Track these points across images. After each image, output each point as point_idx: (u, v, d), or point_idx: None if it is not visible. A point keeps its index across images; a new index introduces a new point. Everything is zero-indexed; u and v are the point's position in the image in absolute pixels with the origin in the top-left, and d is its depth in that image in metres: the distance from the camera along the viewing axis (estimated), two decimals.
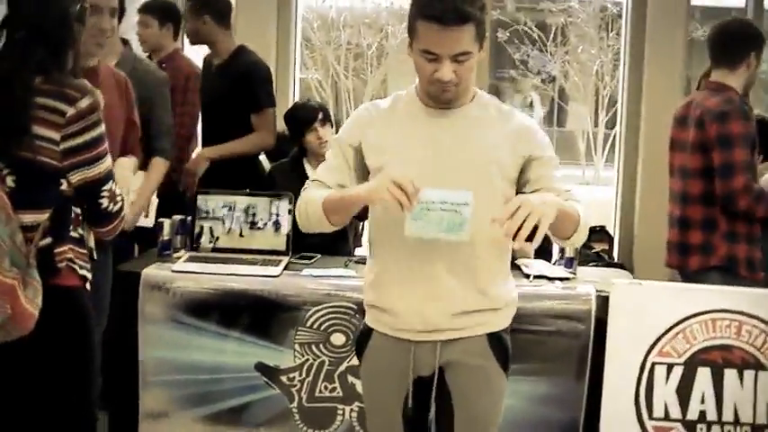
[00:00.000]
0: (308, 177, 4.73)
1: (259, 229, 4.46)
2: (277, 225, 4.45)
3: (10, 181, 2.72)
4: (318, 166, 4.26)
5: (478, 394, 2.91)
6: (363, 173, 2.92)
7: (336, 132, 4.65)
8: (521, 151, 2.83)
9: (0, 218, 2.62)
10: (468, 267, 2.82)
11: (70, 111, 2.70)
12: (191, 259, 4.28)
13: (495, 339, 2.91)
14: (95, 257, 2.99)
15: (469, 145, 2.81)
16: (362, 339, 3.05)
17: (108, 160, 2.84)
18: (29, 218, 2.73)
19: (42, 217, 2.75)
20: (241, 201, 4.50)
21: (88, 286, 2.96)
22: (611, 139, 17.05)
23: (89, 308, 2.93)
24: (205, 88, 5.26)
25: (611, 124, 16.81)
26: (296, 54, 7.02)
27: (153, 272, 4.12)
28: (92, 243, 2.98)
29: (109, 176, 2.84)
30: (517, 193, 2.80)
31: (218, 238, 4.44)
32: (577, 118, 20.10)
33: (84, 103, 2.72)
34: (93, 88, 2.80)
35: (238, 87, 5.07)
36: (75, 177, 2.77)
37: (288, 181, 4.90)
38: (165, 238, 4.36)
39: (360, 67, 18.07)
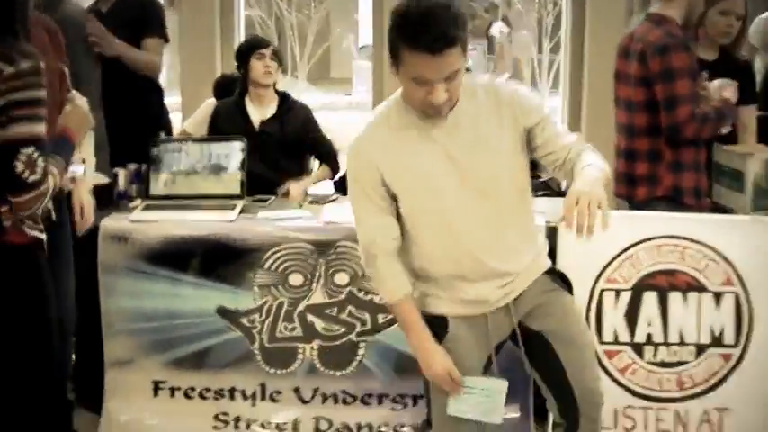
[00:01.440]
0: (249, 117, 4.87)
1: (212, 173, 4.54)
2: (229, 169, 4.52)
3: None
4: (258, 100, 4.48)
5: (565, 319, 3.08)
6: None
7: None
8: (519, 124, 2.92)
9: None
10: (503, 242, 2.98)
11: (9, 70, 2.71)
12: (147, 208, 4.35)
13: (552, 273, 3.12)
14: (53, 218, 3.04)
15: (480, 156, 2.89)
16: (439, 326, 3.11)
17: (38, 128, 2.79)
18: None
19: None
20: (193, 147, 4.57)
21: (41, 236, 3.00)
22: (555, 65, 17.16)
23: (41, 263, 2.99)
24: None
25: (556, 50, 16.87)
26: None
27: (111, 223, 4.16)
28: (50, 204, 3.01)
29: (33, 143, 2.77)
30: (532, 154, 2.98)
31: (173, 185, 4.51)
32: (521, 45, 20.14)
33: (24, 64, 2.72)
34: (38, 54, 2.80)
35: (131, 31, 4.89)
36: (1, 133, 2.74)
37: (230, 121, 5.00)
38: (121, 188, 4.44)
39: (303, 2, 17.98)
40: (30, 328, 2.97)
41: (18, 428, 3.04)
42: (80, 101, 3.22)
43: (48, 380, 3.09)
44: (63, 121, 3.11)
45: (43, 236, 3.01)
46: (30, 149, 2.75)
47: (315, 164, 5.35)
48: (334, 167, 5.21)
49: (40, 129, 2.78)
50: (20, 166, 2.74)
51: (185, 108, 6.64)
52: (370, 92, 7.46)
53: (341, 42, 20.64)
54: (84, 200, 3.67)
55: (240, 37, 7.08)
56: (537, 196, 4.78)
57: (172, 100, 5.98)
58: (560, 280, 3.14)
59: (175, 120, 6.07)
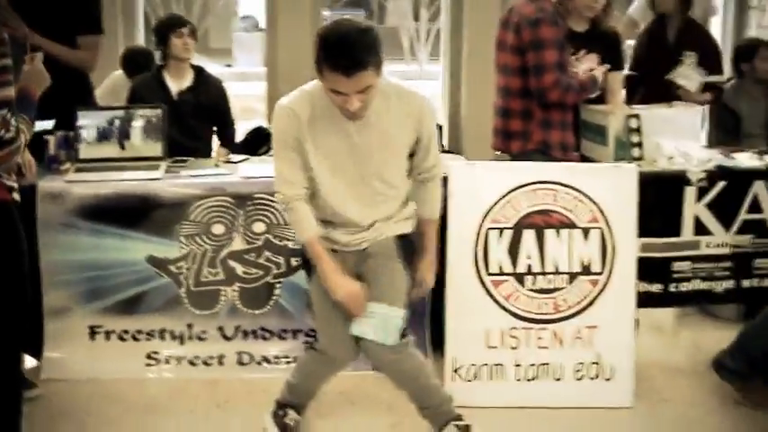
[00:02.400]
0: (168, 88, 5.22)
1: (135, 138, 4.86)
2: (151, 134, 4.87)
3: None
4: (176, 73, 4.85)
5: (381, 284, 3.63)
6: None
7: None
8: (417, 131, 3.50)
9: None
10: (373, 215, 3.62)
11: None
12: (78, 170, 4.64)
13: (401, 239, 3.68)
14: (23, 173, 3.38)
15: (380, 153, 3.46)
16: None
17: (8, 91, 3.06)
18: None
19: None
20: (119, 114, 4.90)
21: (16, 196, 3.33)
22: (432, 34, 17.53)
23: (15, 215, 3.29)
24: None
25: (433, 19, 17.19)
26: None
27: (47, 184, 4.45)
28: (19, 159, 3.35)
29: (4, 105, 3.04)
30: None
31: (99, 150, 4.81)
32: (398, 14, 20.41)
33: None
34: (1, 27, 3.13)
35: (62, 12, 4.94)
36: None
37: (150, 92, 5.34)
38: (52, 152, 4.72)
39: None
40: (7, 281, 3.25)
41: None
42: (37, 61, 3.52)
43: (19, 332, 3.38)
44: (23, 80, 3.38)
45: (15, 186, 3.32)
46: (3, 111, 3.05)
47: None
48: (231, 145, 5.64)
49: (10, 92, 3.09)
50: None
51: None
52: (251, 62, 7.68)
53: (224, 13, 20.54)
54: (29, 157, 4.05)
55: (140, 11, 7.36)
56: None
57: None
58: (407, 253, 3.67)
59: None
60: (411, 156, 3.60)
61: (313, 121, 3.41)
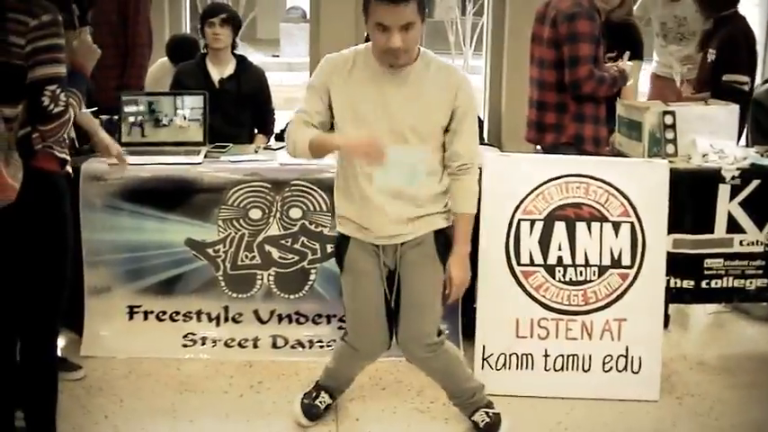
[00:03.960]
0: (210, 76, 5.32)
1: (177, 124, 4.96)
2: (194, 119, 4.97)
3: None
4: (218, 62, 5.00)
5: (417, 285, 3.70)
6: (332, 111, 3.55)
7: (234, 35, 5.22)
8: (452, 104, 3.50)
9: None
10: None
11: (33, 22, 3.18)
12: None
13: (439, 235, 3.67)
14: (78, 146, 3.51)
15: (412, 106, 3.45)
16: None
17: (59, 68, 3.23)
18: (8, 111, 3.22)
19: (17, 110, 3.24)
20: (162, 100, 5.00)
21: (68, 168, 3.51)
22: (478, 28, 17.54)
23: (64, 186, 3.45)
24: None
25: (479, 13, 17.18)
26: None
27: (90, 165, 4.55)
28: (73, 134, 3.50)
29: (56, 81, 3.22)
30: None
31: (142, 134, 4.93)
32: (445, 8, 20.41)
33: (45, 17, 3.19)
34: (54, 7, 3.26)
35: None
36: (29, 75, 3.19)
37: (193, 79, 5.43)
38: None
39: None
40: (50, 247, 3.40)
41: (25, 340, 3.49)
42: (84, 35, 3.67)
43: (59, 300, 3.51)
44: (73, 57, 3.52)
45: (68, 158, 3.48)
46: (53, 86, 3.21)
47: None
48: (269, 133, 5.70)
49: (61, 69, 3.24)
50: (46, 101, 3.21)
51: None
52: (298, 53, 7.73)
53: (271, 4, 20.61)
54: (116, 145, 4.15)
55: (186, 0, 7.48)
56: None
57: None
58: (444, 248, 3.67)
59: None
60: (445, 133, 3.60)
61: (350, 70, 3.51)
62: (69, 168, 3.56)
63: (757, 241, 4.68)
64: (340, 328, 4.61)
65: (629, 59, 5.07)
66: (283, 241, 4.64)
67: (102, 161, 4.56)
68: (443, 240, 3.67)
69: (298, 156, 3.53)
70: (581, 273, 4.32)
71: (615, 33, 5.14)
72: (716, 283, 4.74)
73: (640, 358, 4.33)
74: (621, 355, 4.33)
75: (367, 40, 3.58)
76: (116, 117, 4.94)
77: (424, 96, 3.48)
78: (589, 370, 4.34)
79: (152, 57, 6.18)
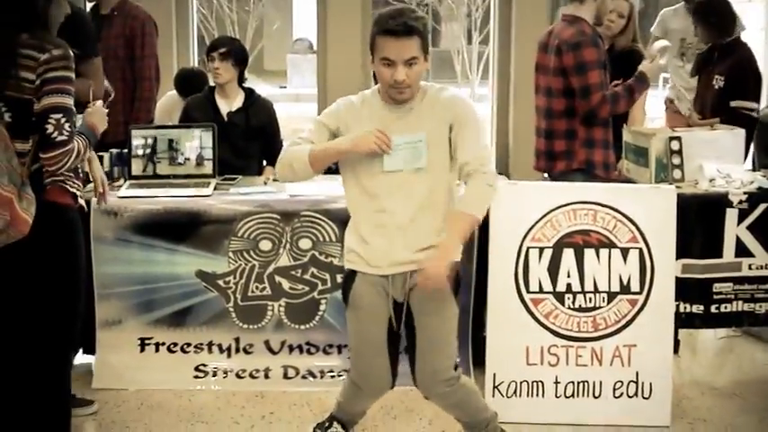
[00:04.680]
0: (218, 109, 5.37)
1: (188, 158, 5.01)
2: (203, 152, 5.01)
3: (7, 117, 3.29)
4: (226, 94, 5.06)
5: (434, 319, 3.66)
6: None
7: (239, 69, 5.26)
8: (446, 119, 3.54)
9: (1, 146, 3.21)
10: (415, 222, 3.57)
11: (43, 56, 3.28)
12: (131, 186, 4.80)
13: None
14: (90, 180, 3.58)
15: (413, 130, 3.51)
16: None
17: (67, 99, 3.31)
18: (20, 146, 3.30)
19: (28, 144, 3.32)
20: (171, 133, 5.05)
21: (81, 202, 3.57)
22: (484, 57, 17.60)
23: (76, 220, 3.52)
24: None
25: (486, 42, 17.25)
26: None
27: None
28: (86, 168, 3.56)
29: (60, 110, 3.29)
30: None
31: (151, 167, 4.96)
32: (451, 38, 20.51)
33: (56, 51, 3.30)
34: (65, 43, 3.36)
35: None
36: (37, 105, 3.29)
37: (202, 112, 5.48)
38: (106, 169, 4.85)
39: None
40: (63, 280, 3.45)
41: (38, 374, 3.51)
42: (98, 104, 3.78)
43: (72, 333, 3.57)
44: (88, 117, 3.64)
45: (80, 194, 3.53)
46: (58, 115, 3.29)
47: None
48: None
49: (68, 100, 3.32)
50: (50, 128, 3.28)
51: None
52: (305, 84, 7.79)
53: (278, 36, 20.74)
54: (102, 175, 4.25)
55: (193, 33, 7.54)
56: None
57: None
58: (455, 282, 3.65)
59: None
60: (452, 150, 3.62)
61: (359, 109, 3.61)
62: (82, 201, 3.62)
63: (766, 265, 4.68)
64: (350, 358, 4.60)
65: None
66: (293, 272, 4.66)
67: (113, 194, 4.63)
68: (454, 274, 3.65)
69: (296, 175, 3.63)
70: (590, 299, 4.33)
71: (619, 61, 5.18)
72: (725, 308, 4.72)
73: (651, 384, 4.32)
74: (632, 381, 4.33)
75: (376, 81, 3.63)
76: (125, 150, 4.97)
77: (422, 123, 3.55)
78: (600, 396, 4.34)
79: (160, 90, 6.24)
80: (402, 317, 3.68)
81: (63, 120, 3.31)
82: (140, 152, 5.00)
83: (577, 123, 4.78)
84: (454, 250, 3.54)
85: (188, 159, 5.02)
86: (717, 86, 5.63)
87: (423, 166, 3.52)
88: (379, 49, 3.44)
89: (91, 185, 4.53)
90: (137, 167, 4.97)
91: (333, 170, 5.76)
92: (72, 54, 3.38)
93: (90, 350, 4.71)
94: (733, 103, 5.51)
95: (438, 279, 3.46)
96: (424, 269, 3.48)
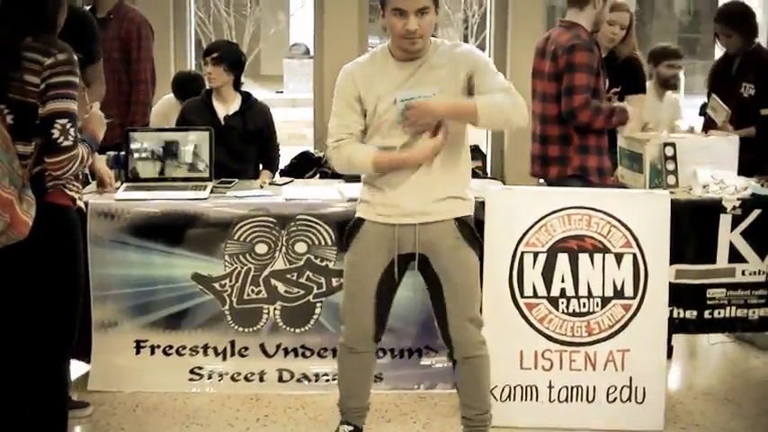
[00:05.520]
0: (215, 112, 5.39)
1: (183, 160, 5.02)
2: (200, 155, 5.02)
3: (9, 119, 3.30)
4: (223, 98, 5.45)
5: (459, 272, 3.78)
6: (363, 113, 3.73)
7: (234, 73, 5.29)
8: (464, 69, 3.64)
9: (2, 148, 3.23)
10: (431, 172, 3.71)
11: (48, 60, 3.29)
12: (127, 189, 4.80)
13: (465, 225, 3.77)
14: (89, 181, 3.59)
15: (426, 85, 3.61)
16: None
17: (71, 105, 3.32)
18: (22, 148, 3.32)
19: (31, 147, 3.33)
20: (168, 136, 5.06)
21: (80, 204, 3.59)
22: None
23: (76, 222, 3.54)
24: None
25: (482, 48, 17.24)
26: None
27: (98, 201, 4.59)
28: (86, 170, 3.57)
29: (66, 115, 3.30)
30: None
31: (149, 169, 4.97)
32: None
33: (60, 56, 3.31)
34: (69, 47, 3.38)
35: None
36: (41, 110, 3.29)
37: (199, 116, 5.50)
38: None
39: (240, 2, 18.21)
40: (62, 281, 3.47)
41: (36, 376, 3.52)
42: (95, 109, 3.80)
43: (72, 331, 3.58)
44: (86, 123, 3.64)
45: (78, 196, 3.55)
46: (63, 120, 3.30)
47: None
48: (274, 169, 5.78)
49: (73, 106, 3.33)
50: (55, 133, 3.29)
51: None
52: (302, 89, 7.79)
53: (275, 40, 20.75)
54: (108, 170, 4.38)
55: (191, 37, 7.56)
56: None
57: None
58: (471, 235, 3.78)
59: None
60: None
61: (367, 68, 3.72)
62: (81, 203, 3.64)
63: (759, 271, 4.71)
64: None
65: (630, 93, 5.18)
66: (289, 275, 4.68)
67: (110, 197, 4.65)
68: (468, 229, 3.78)
69: (354, 170, 3.80)
70: (584, 304, 4.34)
71: (622, 70, 5.26)
72: (719, 313, 4.75)
73: (644, 388, 4.34)
74: (625, 386, 4.34)
75: None
76: (122, 153, 4.99)
77: (443, 78, 3.65)
78: (593, 401, 4.36)
79: (157, 93, 6.26)
80: (405, 268, 3.80)
81: (69, 125, 3.32)
82: (137, 155, 5.00)
83: (571, 129, 4.78)
84: (437, 106, 3.61)
85: (185, 162, 5.03)
86: (747, 95, 5.64)
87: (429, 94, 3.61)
88: (392, 1, 3.52)
89: (89, 187, 4.58)
90: (133, 170, 4.98)
91: (329, 174, 5.84)
92: (76, 59, 3.39)
93: (85, 355, 4.69)
94: (764, 111, 5.53)
95: (420, 112, 3.58)
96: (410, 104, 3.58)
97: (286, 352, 4.74)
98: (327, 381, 4.67)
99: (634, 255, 4.33)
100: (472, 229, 3.80)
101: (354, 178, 4.87)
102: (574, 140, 4.80)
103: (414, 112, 3.58)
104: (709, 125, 5.68)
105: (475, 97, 3.65)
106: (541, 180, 5.07)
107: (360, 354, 3.91)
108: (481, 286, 4.25)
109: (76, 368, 4.69)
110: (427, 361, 4.76)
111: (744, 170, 4.91)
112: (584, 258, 4.34)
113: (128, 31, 5.78)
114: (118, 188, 4.83)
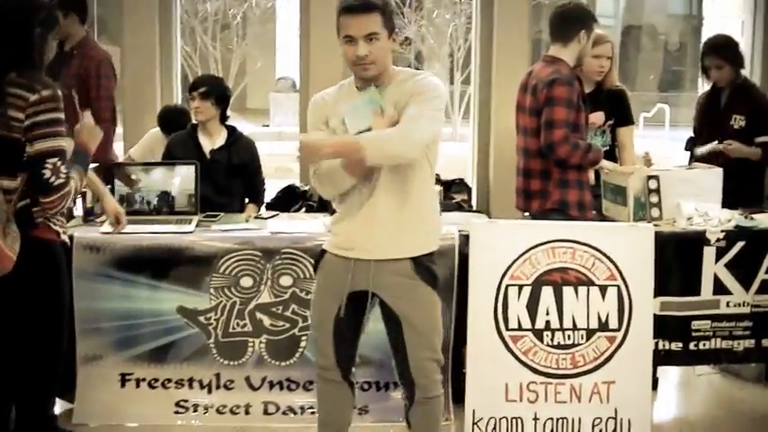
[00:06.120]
0: (201, 146, 5.40)
1: (170, 195, 5.04)
2: (185, 189, 5.03)
3: None
4: (208, 132, 5.40)
5: (417, 309, 3.72)
6: None
7: (220, 107, 5.28)
8: (407, 98, 3.58)
9: None
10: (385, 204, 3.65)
11: (33, 97, 3.32)
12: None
13: (419, 265, 3.69)
14: (74, 215, 3.59)
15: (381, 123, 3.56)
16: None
17: (59, 141, 3.36)
18: (7, 183, 3.34)
19: (16, 182, 3.35)
20: (154, 170, 5.08)
21: (64, 238, 3.60)
22: (466, 97, 17.70)
23: (61, 256, 3.56)
24: None
25: (467, 82, 17.36)
26: (177, 28, 7.48)
27: (83, 234, 4.61)
28: (71, 204, 3.58)
29: (57, 154, 3.34)
30: None
31: (133, 203, 4.99)
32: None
33: (45, 92, 3.34)
34: (54, 84, 3.41)
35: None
36: (30, 149, 3.32)
37: (184, 149, 5.51)
38: (89, 205, 4.90)
39: (226, 36, 18.29)
40: (47, 315, 3.48)
41: (22, 411, 3.54)
42: (87, 119, 3.81)
43: (56, 366, 3.59)
44: (77, 138, 3.65)
45: (63, 230, 3.57)
46: (54, 159, 3.33)
47: None
48: (260, 203, 5.79)
49: (62, 143, 3.37)
50: (47, 173, 3.32)
51: (127, 136, 7.05)
52: (288, 123, 7.81)
53: (261, 74, 20.83)
54: (118, 208, 4.33)
55: (177, 70, 7.58)
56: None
57: None
58: (426, 273, 3.71)
59: (117, 148, 6.47)
60: None
61: (338, 99, 3.69)
62: (65, 237, 3.64)
63: (744, 302, 4.74)
64: None
65: (619, 125, 5.31)
66: (274, 309, 4.68)
67: (95, 230, 4.65)
68: (423, 268, 3.70)
69: (336, 186, 3.67)
70: (569, 336, 4.34)
71: (610, 101, 5.32)
72: (704, 345, 4.78)
73: (629, 420, 4.33)
74: (611, 417, 4.34)
75: None
76: (108, 186, 4.97)
77: (388, 107, 3.60)
78: None
79: (144, 126, 6.27)
80: (363, 305, 3.74)
81: (59, 163, 3.35)
82: (123, 189, 5.01)
83: (552, 164, 4.79)
84: (321, 146, 3.54)
85: (170, 196, 5.03)
86: (737, 126, 5.68)
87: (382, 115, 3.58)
88: (342, 29, 3.55)
89: (72, 221, 4.58)
90: (119, 204, 4.93)
91: (314, 208, 5.85)
92: (60, 94, 3.41)
93: (69, 393, 4.67)
94: (759, 140, 5.58)
95: (307, 151, 3.53)
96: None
97: (271, 385, 4.74)
98: (313, 413, 4.59)
99: (618, 287, 4.34)
100: (428, 268, 3.72)
101: None
102: (554, 174, 4.80)
103: (303, 152, 3.54)
104: (696, 160, 5.70)
105: (363, 135, 3.58)
106: (526, 213, 5.09)
107: (331, 381, 3.88)
108: (466, 319, 4.31)
109: (61, 404, 4.69)
110: (398, 395, 4.73)
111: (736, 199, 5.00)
112: (568, 291, 4.34)
113: (86, 69, 5.76)
114: (102, 222, 4.81)
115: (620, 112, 5.28)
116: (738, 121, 5.68)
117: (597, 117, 5.24)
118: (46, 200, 3.37)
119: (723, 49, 5.80)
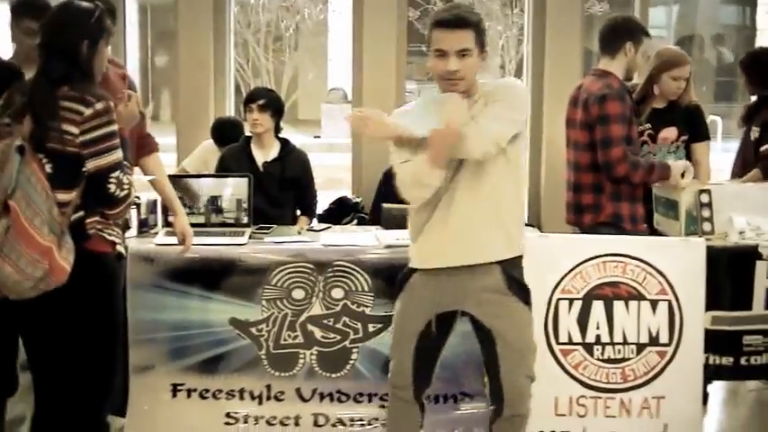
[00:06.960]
0: (254, 159, 5.45)
1: (223, 207, 5.08)
2: (239, 202, 5.08)
3: (48, 168, 3.37)
4: (262, 145, 5.39)
5: (512, 326, 3.74)
6: None
7: (276, 119, 5.34)
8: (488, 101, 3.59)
9: (42, 196, 3.31)
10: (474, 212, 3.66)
11: (87, 111, 3.36)
12: (167, 234, 4.82)
13: (510, 278, 3.71)
14: (130, 226, 3.65)
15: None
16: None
17: (118, 153, 3.42)
18: (62, 196, 3.38)
19: (71, 195, 3.40)
20: (207, 182, 5.13)
21: (120, 249, 3.64)
22: None
23: (115, 268, 3.59)
24: None
25: None
26: (231, 40, 7.59)
27: (138, 245, 4.66)
28: (128, 215, 3.64)
29: (118, 166, 3.41)
30: None
31: (188, 215, 5.01)
32: None
33: (99, 105, 3.38)
34: (108, 95, 3.47)
35: None
36: (90, 165, 3.38)
37: (238, 162, 5.57)
38: (143, 216, 4.97)
39: (278, 48, 18.39)
40: (98, 329, 3.51)
41: (74, 424, 3.57)
42: (132, 101, 3.87)
43: (109, 381, 3.63)
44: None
45: (119, 241, 3.61)
46: (117, 172, 3.41)
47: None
48: (312, 215, 5.83)
49: (119, 155, 3.43)
50: (112, 188, 3.40)
51: (180, 148, 7.18)
52: (339, 134, 7.79)
53: (313, 85, 20.91)
54: (187, 228, 4.36)
55: (230, 82, 7.66)
56: None
57: (167, 140, 6.26)
58: (518, 288, 3.74)
59: (170, 159, 6.55)
60: None
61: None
62: (121, 248, 3.68)
63: None
64: (381, 406, 4.64)
65: (695, 141, 5.30)
66: (326, 321, 4.70)
67: (149, 242, 4.72)
68: (516, 283, 3.72)
69: (423, 184, 3.59)
70: (619, 351, 4.35)
71: (685, 116, 5.29)
72: (755, 360, 4.73)
73: None
74: None
75: None
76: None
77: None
78: None
79: (197, 138, 6.34)
80: (451, 323, 3.78)
81: (121, 175, 3.43)
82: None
83: (604, 177, 4.79)
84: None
85: (224, 208, 5.09)
86: (753, 137, 5.66)
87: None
88: (433, 42, 3.54)
89: (128, 232, 4.64)
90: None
91: (366, 220, 5.88)
92: (113, 105, 3.47)
93: (120, 410, 4.70)
94: (763, 149, 5.54)
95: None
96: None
97: (322, 397, 4.75)
98: (363, 426, 4.68)
99: (669, 302, 4.34)
100: (519, 282, 3.74)
101: (391, 225, 4.93)
102: (606, 188, 4.80)
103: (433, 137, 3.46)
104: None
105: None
106: (576, 228, 5.08)
107: (401, 400, 3.92)
108: None
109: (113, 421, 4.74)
110: (463, 406, 4.76)
111: None
112: (619, 305, 4.35)
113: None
114: (156, 234, 4.89)
115: (694, 127, 5.25)
116: (754, 132, 5.65)
117: (669, 132, 5.23)
118: (113, 212, 3.45)
119: (749, 62, 5.79)
